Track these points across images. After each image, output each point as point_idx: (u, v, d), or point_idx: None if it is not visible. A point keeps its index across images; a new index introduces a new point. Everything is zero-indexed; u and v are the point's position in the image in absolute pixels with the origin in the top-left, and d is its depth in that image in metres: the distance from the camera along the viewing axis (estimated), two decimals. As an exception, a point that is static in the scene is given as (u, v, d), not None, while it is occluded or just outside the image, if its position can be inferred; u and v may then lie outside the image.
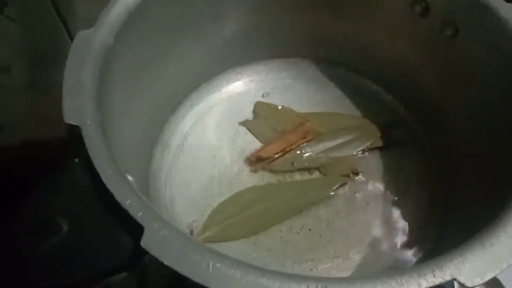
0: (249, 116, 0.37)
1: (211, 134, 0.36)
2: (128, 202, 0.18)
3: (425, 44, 0.33)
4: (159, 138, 0.35)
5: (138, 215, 0.18)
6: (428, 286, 0.17)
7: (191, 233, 0.31)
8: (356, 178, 0.34)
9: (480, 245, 0.18)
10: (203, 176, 0.34)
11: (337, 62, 0.39)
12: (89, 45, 0.24)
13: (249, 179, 0.34)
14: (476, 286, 0.17)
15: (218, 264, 0.17)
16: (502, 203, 0.21)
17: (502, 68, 0.27)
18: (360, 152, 0.35)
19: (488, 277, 0.17)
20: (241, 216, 0.31)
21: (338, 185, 0.33)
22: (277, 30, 0.37)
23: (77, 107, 0.21)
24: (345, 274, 0.30)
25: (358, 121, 0.37)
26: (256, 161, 0.35)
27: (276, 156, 0.35)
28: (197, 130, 0.36)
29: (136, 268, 0.20)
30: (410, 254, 0.31)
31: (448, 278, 0.17)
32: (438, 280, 0.17)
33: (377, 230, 0.32)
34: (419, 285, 0.17)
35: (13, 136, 0.39)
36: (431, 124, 0.36)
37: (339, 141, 0.35)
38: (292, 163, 0.34)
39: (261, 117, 0.37)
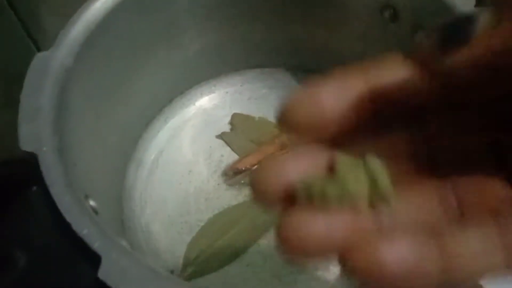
0: (225, 128, 0.36)
1: (187, 149, 0.35)
2: (85, 231, 0.18)
3: (398, 50, 0.33)
4: (133, 154, 0.34)
5: (95, 245, 0.17)
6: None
7: (172, 272, 0.30)
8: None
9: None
10: (179, 192, 0.33)
11: (312, 70, 0.38)
12: (47, 67, 0.23)
13: (227, 193, 0.33)
14: None
15: (177, 294, 0.16)
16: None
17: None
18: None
19: None
20: (217, 245, 0.30)
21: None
22: (250, 40, 0.37)
23: (33, 133, 0.21)
24: (325, 286, 0.29)
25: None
26: (233, 175, 0.34)
27: (253, 168, 0.34)
28: (172, 145, 0.36)
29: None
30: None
31: None
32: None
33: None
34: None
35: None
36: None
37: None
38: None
39: (238, 129, 0.36)
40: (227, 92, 0.38)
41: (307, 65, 0.39)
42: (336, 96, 0.11)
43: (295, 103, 0.11)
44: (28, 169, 0.19)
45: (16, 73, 0.38)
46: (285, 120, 0.11)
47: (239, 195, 0.33)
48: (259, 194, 0.11)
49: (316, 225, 0.10)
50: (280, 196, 0.11)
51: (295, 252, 0.10)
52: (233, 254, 0.30)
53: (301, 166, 0.11)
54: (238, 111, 0.37)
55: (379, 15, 0.31)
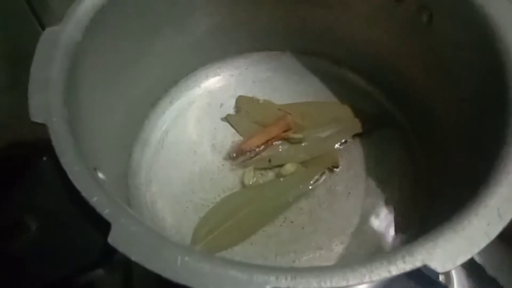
0: (229, 110, 0.37)
1: (192, 130, 0.36)
2: (95, 199, 0.18)
3: (403, 31, 0.33)
4: (139, 134, 0.35)
5: (105, 212, 0.18)
6: (398, 272, 0.17)
7: None
8: (337, 169, 0.34)
9: (451, 229, 0.18)
10: (184, 172, 0.34)
11: (317, 53, 0.38)
12: (57, 41, 0.23)
13: (231, 173, 0.34)
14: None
15: (186, 258, 0.17)
16: (477, 188, 0.21)
17: (478, 51, 0.27)
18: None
19: (459, 261, 0.17)
20: (226, 226, 0.31)
21: (318, 175, 0.33)
22: (256, 23, 0.37)
23: (43, 104, 0.21)
24: (327, 264, 0.30)
25: (339, 110, 0.36)
26: (237, 155, 0.34)
27: (257, 149, 0.34)
28: (177, 126, 0.36)
29: (107, 264, 0.20)
30: (393, 242, 0.31)
31: (418, 264, 0.17)
32: (408, 267, 0.17)
33: (359, 220, 0.32)
34: (389, 271, 0.16)
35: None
36: (413, 111, 0.36)
37: (320, 134, 0.35)
38: (269, 160, 0.33)
39: (243, 111, 0.37)
40: (232, 75, 0.38)
41: (312, 48, 0.39)
42: None
43: None
44: (39, 139, 0.20)
45: (22, 55, 0.38)
46: None
47: (243, 176, 0.33)
48: None
49: None
50: None
51: None
52: (240, 236, 0.31)
53: None
54: (242, 93, 0.38)
55: (385, -4, 0.31)
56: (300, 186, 0.32)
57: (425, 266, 0.17)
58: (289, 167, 0.33)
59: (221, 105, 0.37)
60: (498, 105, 0.24)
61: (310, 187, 0.33)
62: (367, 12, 0.34)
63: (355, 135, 0.35)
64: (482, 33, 0.26)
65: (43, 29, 0.38)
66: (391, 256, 0.17)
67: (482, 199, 0.19)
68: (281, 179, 0.33)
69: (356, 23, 0.35)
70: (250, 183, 0.33)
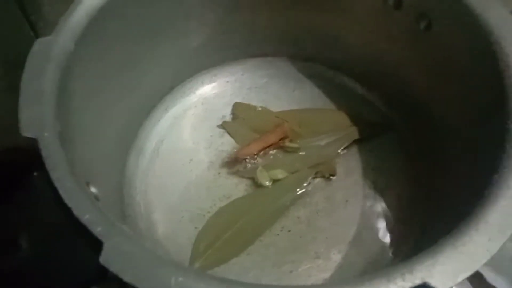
0: (225, 118, 0.36)
1: (188, 138, 0.35)
2: (87, 216, 0.18)
3: (401, 37, 0.33)
4: (134, 143, 0.34)
5: (97, 230, 0.17)
6: (398, 291, 0.16)
7: None
8: (334, 177, 0.33)
9: (451, 245, 0.17)
10: (180, 180, 0.33)
11: (313, 59, 0.38)
12: (49, 51, 0.23)
13: (227, 182, 0.33)
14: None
15: (180, 279, 0.16)
16: (478, 200, 0.20)
17: (477, 57, 0.26)
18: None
19: (460, 279, 0.17)
20: (223, 239, 0.30)
21: (312, 176, 0.33)
22: (251, 29, 0.37)
23: (34, 118, 0.20)
24: (326, 274, 0.29)
25: (337, 117, 0.36)
26: (234, 163, 0.34)
27: (254, 157, 0.34)
28: (173, 134, 0.35)
29: (102, 281, 0.19)
30: (392, 251, 0.31)
31: (418, 281, 0.16)
32: (408, 285, 0.16)
33: (357, 228, 0.31)
34: (389, 290, 0.16)
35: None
36: (411, 118, 0.35)
37: (318, 143, 0.34)
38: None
39: (240, 118, 0.36)
40: (228, 81, 0.38)
41: (307, 54, 0.38)
42: None
43: None
44: (30, 154, 0.19)
45: (16, 61, 0.37)
46: None
47: (240, 184, 0.33)
48: None
49: None
50: None
51: None
52: (239, 247, 0.30)
53: None
54: (239, 100, 0.37)
55: (382, 2, 0.31)
56: (296, 189, 0.32)
57: (425, 284, 0.17)
58: (278, 173, 0.33)
59: (217, 112, 0.36)
60: (497, 111, 0.24)
61: (306, 186, 0.32)
62: (365, 17, 0.33)
63: (353, 142, 0.35)
64: (481, 39, 0.26)
65: (37, 36, 0.38)
66: (390, 273, 0.17)
67: (483, 214, 0.18)
68: (274, 183, 0.32)
69: (354, 28, 0.35)
70: (267, 183, 0.32)
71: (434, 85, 0.32)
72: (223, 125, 0.36)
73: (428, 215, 0.31)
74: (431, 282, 0.16)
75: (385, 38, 0.34)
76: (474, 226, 0.18)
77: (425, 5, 0.28)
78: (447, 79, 0.30)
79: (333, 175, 0.33)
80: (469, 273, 0.17)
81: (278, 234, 0.31)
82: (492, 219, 0.18)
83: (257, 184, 0.32)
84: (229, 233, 0.31)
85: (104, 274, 0.20)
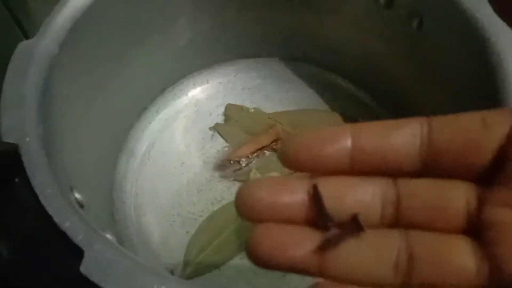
0: (218, 120, 0.36)
1: (179, 140, 0.35)
2: (67, 224, 0.17)
3: (393, 37, 0.32)
4: (124, 145, 0.34)
5: (78, 238, 0.17)
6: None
7: (172, 273, 0.29)
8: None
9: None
10: (172, 184, 0.33)
11: (306, 60, 0.38)
12: (31, 55, 0.22)
13: (220, 185, 0.33)
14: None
15: (163, 287, 0.16)
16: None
17: (468, 56, 0.26)
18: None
19: None
20: (216, 243, 0.30)
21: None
22: (243, 30, 0.36)
23: (16, 123, 0.20)
24: (319, 278, 0.29)
25: (329, 118, 0.36)
26: (226, 166, 0.33)
27: (247, 159, 0.34)
28: (164, 136, 0.35)
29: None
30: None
31: None
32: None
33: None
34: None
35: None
36: (404, 117, 0.35)
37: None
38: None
39: (232, 120, 0.36)
40: (220, 83, 0.38)
41: (300, 54, 0.38)
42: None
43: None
44: (11, 159, 0.19)
45: (3, 62, 0.37)
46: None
47: (232, 187, 0.33)
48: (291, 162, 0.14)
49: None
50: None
51: None
52: (231, 252, 0.30)
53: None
54: (231, 101, 0.37)
55: (373, 1, 0.31)
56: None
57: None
58: (272, 175, 0.32)
59: (210, 114, 0.36)
60: (489, 109, 0.23)
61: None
62: (356, 17, 0.33)
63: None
64: (472, 38, 0.25)
65: (26, 37, 0.37)
66: None
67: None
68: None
69: (345, 28, 0.34)
70: None
71: (425, 84, 0.32)
72: (216, 127, 0.35)
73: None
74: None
75: (377, 37, 0.33)
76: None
77: (416, 4, 0.28)
78: (439, 78, 0.30)
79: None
80: None
81: (270, 238, 0.31)
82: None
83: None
84: (221, 238, 0.30)
85: (87, 280, 0.19)
